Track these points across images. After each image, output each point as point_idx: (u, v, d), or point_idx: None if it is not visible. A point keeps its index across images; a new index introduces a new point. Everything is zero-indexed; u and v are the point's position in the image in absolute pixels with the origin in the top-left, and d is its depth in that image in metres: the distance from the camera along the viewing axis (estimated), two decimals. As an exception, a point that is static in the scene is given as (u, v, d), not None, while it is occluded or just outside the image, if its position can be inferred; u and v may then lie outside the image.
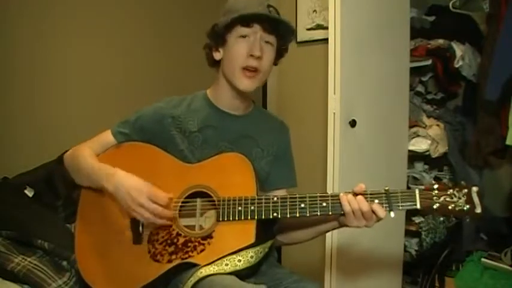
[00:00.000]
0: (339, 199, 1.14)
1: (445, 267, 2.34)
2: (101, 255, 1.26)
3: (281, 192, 1.38)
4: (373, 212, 1.12)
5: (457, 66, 2.40)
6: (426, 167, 2.65)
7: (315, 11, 2.54)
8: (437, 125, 2.47)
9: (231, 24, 1.25)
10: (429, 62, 2.43)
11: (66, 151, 1.39)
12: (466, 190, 1.10)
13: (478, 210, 1.09)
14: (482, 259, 2.14)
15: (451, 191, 1.11)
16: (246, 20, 1.24)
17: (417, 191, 1.13)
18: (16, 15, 2.11)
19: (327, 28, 2.08)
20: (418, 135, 2.49)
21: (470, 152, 2.36)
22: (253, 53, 1.24)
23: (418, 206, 1.12)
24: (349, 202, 1.13)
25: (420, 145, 2.46)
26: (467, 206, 1.09)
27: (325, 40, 2.09)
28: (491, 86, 2.08)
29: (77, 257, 1.29)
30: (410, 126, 2.49)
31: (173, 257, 1.18)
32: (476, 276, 2.12)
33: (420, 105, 2.56)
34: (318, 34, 2.50)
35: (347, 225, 1.18)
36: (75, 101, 2.31)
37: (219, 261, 1.14)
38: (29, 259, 1.58)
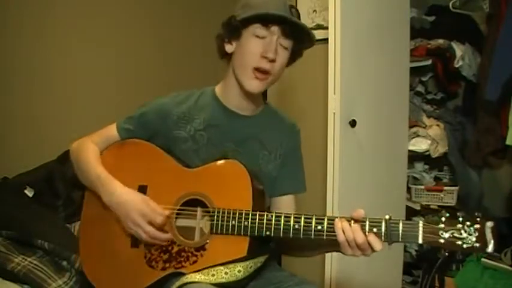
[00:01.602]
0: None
1: (445, 267, 2.34)
2: (103, 256, 1.26)
3: (288, 199, 1.35)
4: (369, 244, 1.02)
5: (457, 66, 2.40)
6: (426, 167, 2.65)
7: (315, 11, 2.54)
8: (437, 125, 2.47)
9: (249, 21, 1.18)
10: (429, 62, 2.43)
11: (67, 151, 1.39)
12: (478, 226, 0.96)
13: (490, 249, 0.95)
14: (482, 259, 2.13)
15: (459, 225, 0.97)
16: (267, 20, 1.18)
17: (421, 224, 0.99)
18: (16, 15, 2.11)
19: (327, 28, 2.08)
20: (418, 135, 2.49)
21: (470, 152, 2.36)
22: (268, 55, 1.18)
23: (420, 241, 0.99)
24: (343, 231, 1.03)
25: (420, 145, 2.46)
26: (478, 244, 0.95)
27: (325, 40, 2.09)
28: (491, 86, 2.07)
29: (81, 256, 1.29)
30: (410, 126, 2.49)
31: (167, 265, 1.18)
32: (476, 276, 2.12)
33: (420, 105, 2.56)
34: (318, 34, 2.47)
35: (343, 253, 1.08)
36: (75, 101, 2.31)
37: (206, 271, 1.13)
38: (29, 259, 1.58)
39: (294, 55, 1.29)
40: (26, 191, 1.90)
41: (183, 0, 2.75)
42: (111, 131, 1.33)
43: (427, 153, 2.47)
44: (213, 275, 1.11)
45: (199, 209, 1.23)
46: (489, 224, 0.97)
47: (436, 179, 2.60)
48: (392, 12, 2.25)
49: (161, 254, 1.19)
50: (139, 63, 2.55)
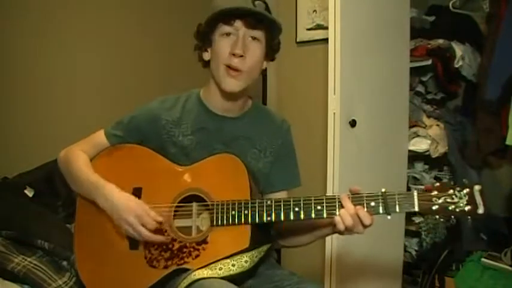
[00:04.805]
0: (335, 204, 1.09)
1: (445, 267, 2.34)
2: (99, 260, 1.25)
3: (282, 195, 1.35)
4: (358, 216, 1.07)
5: (457, 66, 2.40)
6: (426, 167, 2.65)
7: (315, 11, 2.54)
8: (437, 125, 2.48)
9: (212, 22, 1.20)
10: (429, 62, 2.42)
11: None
12: (467, 189, 1.03)
13: (481, 210, 1.02)
14: (482, 259, 2.14)
15: (451, 191, 1.04)
16: (226, 16, 1.18)
17: (415, 193, 1.06)
18: (17, 15, 2.12)
19: (327, 28, 2.08)
20: (418, 135, 2.49)
21: (470, 152, 2.36)
22: (234, 51, 1.18)
23: (417, 209, 1.06)
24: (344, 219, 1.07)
25: (420, 145, 2.46)
26: (469, 207, 1.02)
27: (325, 40, 2.09)
28: (491, 85, 2.08)
29: (76, 261, 1.29)
30: (410, 126, 2.49)
31: (169, 262, 1.17)
32: (476, 276, 2.12)
33: (420, 105, 2.56)
34: (318, 34, 2.50)
35: (339, 232, 1.13)
36: (75, 101, 2.32)
37: (212, 265, 1.13)
38: (29, 259, 1.58)
39: (273, 46, 1.28)
40: (26, 191, 1.90)
41: (184, 1, 2.75)
42: (100, 138, 1.33)
43: (427, 153, 2.47)
44: (220, 269, 1.12)
45: (194, 203, 1.23)
46: (477, 187, 1.03)
47: (436, 179, 2.60)
48: (392, 12, 2.25)
49: (162, 253, 1.19)
50: (140, 64, 2.55)
